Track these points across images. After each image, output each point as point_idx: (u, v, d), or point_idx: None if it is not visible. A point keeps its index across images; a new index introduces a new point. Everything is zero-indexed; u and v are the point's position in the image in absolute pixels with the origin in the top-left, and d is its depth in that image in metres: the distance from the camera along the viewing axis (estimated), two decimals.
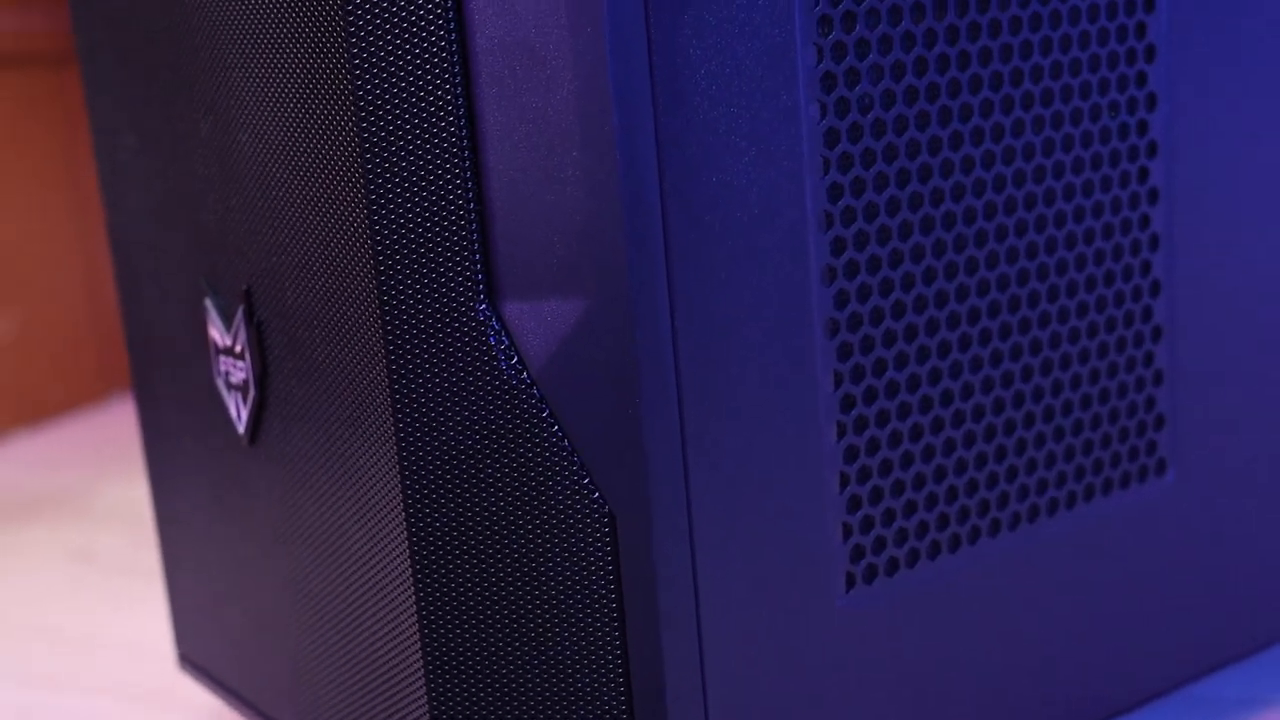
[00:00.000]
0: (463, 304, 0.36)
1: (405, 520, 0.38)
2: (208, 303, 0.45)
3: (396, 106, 0.36)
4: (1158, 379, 0.46)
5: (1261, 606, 0.50)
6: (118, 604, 0.69)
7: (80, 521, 0.82)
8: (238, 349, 0.44)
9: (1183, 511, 0.47)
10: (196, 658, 0.52)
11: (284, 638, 0.45)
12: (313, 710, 0.45)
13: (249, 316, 0.43)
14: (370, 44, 0.35)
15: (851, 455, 0.40)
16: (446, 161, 0.36)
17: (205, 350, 0.46)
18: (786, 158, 0.37)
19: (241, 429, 0.45)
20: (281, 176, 0.39)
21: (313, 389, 0.41)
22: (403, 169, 0.36)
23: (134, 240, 0.49)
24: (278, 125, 0.39)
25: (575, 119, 0.35)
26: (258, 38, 0.39)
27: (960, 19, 0.40)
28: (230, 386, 0.45)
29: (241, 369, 0.44)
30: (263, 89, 0.39)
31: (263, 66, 0.39)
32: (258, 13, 0.39)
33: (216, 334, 0.45)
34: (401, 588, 0.39)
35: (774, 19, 0.37)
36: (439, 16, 0.35)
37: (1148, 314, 0.45)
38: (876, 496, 0.41)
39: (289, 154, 0.39)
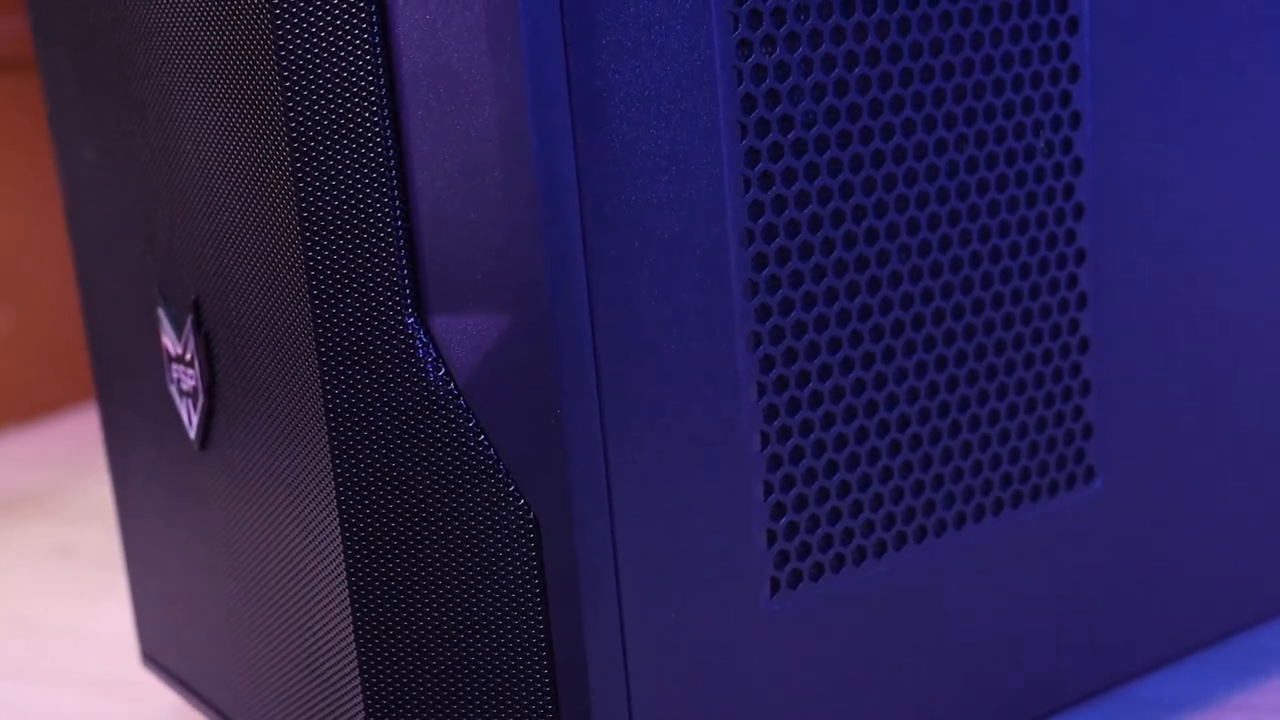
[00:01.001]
0: (392, 318, 0.38)
1: (340, 527, 0.39)
2: (160, 312, 0.46)
3: (327, 129, 0.37)
4: (1085, 389, 0.47)
5: (1193, 609, 0.51)
6: (95, 599, 0.70)
7: (65, 518, 0.84)
8: (188, 357, 0.45)
9: (1111, 518, 0.48)
10: (158, 656, 0.54)
11: (235, 640, 0.47)
12: (263, 713, 0.46)
13: (197, 327, 0.44)
14: (301, 69, 0.37)
15: (775, 463, 0.41)
16: (376, 182, 0.37)
17: (160, 358, 0.47)
18: (706, 177, 0.39)
19: (193, 434, 0.46)
20: (222, 194, 0.41)
21: (256, 398, 0.42)
22: (334, 189, 0.37)
23: (93, 250, 0.50)
24: (217, 146, 0.40)
25: (496, 142, 0.36)
26: (200, 63, 0.40)
27: (881, 41, 0.41)
28: (182, 393, 0.46)
29: (191, 377, 0.45)
30: (205, 111, 0.41)
31: (204, 90, 0.40)
32: (200, 39, 0.40)
33: (169, 342, 0.46)
34: (338, 594, 0.40)
35: (693, 44, 0.38)
36: (366, 43, 0.36)
37: (1074, 326, 0.47)
38: (801, 503, 0.42)
39: (228, 174, 0.40)
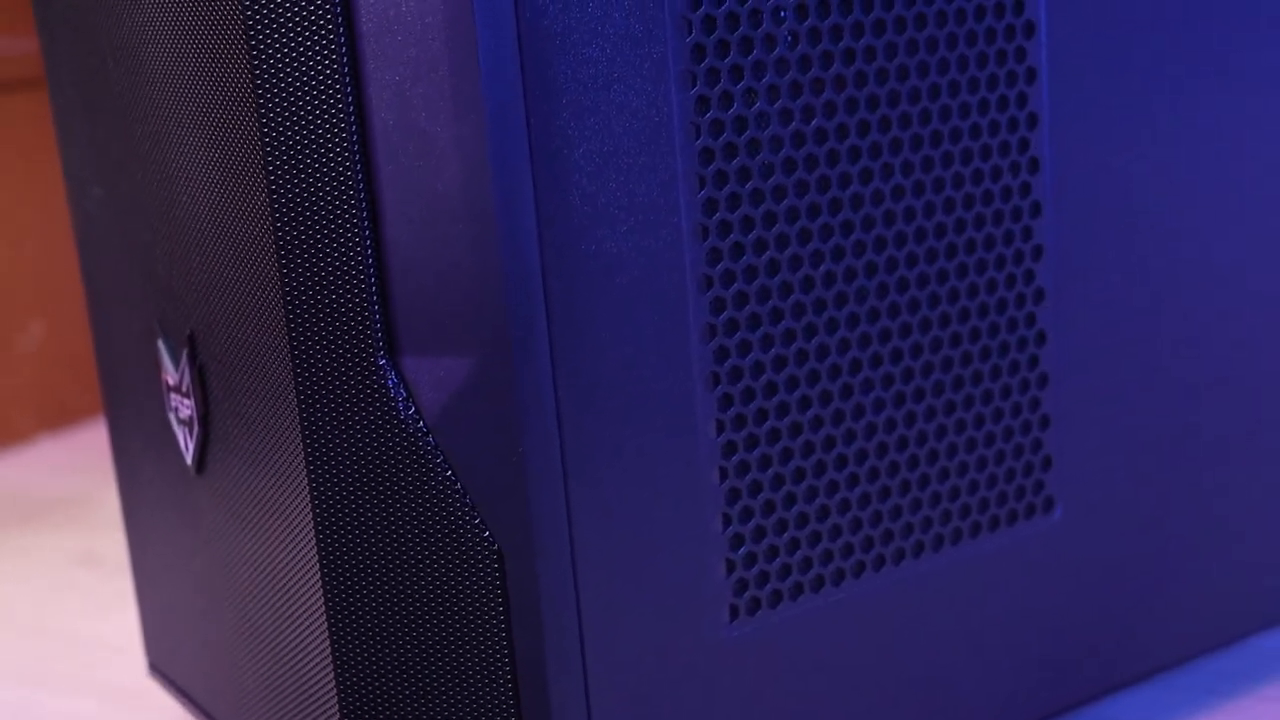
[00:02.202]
0: (365, 358, 0.40)
1: (318, 555, 0.42)
2: (160, 344, 0.49)
3: (304, 183, 0.39)
4: (1045, 423, 0.49)
5: (1152, 634, 0.53)
6: (113, 607, 0.73)
7: (90, 525, 0.87)
8: (184, 388, 0.48)
9: (1071, 546, 0.50)
10: (163, 667, 0.56)
11: (228, 653, 0.49)
12: None
13: (192, 359, 0.47)
14: (280, 128, 0.39)
15: (734, 496, 0.43)
16: (349, 232, 0.39)
17: (160, 387, 0.50)
18: (665, 226, 0.41)
19: (189, 460, 0.48)
20: (211, 239, 0.43)
21: (245, 428, 0.45)
22: (311, 238, 0.40)
23: (101, 282, 0.53)
24: (206, 195, 0.43)
25: (460, 195, 0.39)
26: (190, 117, 0.43)
27: (837, 94, 0.43)
28: (179, 421, 0.49)
29: (188, 406, 0.48)
30: (194, 161, 0.43)
31: (194, 141, 0.43)
32: (190, 95, 0.42)
33: (167, 373, 0.49)
34: (316, 615, 0.42)
35: (651, 101, 0.40)
36: (340, 103, 0.39)
37: (1034, 362, 0.48)
38: (759, 534, 0.44)
39: (216, 221, 0.43)
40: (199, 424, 0.47)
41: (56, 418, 1.06)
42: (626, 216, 0.40)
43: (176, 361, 0.48)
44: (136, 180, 0.48)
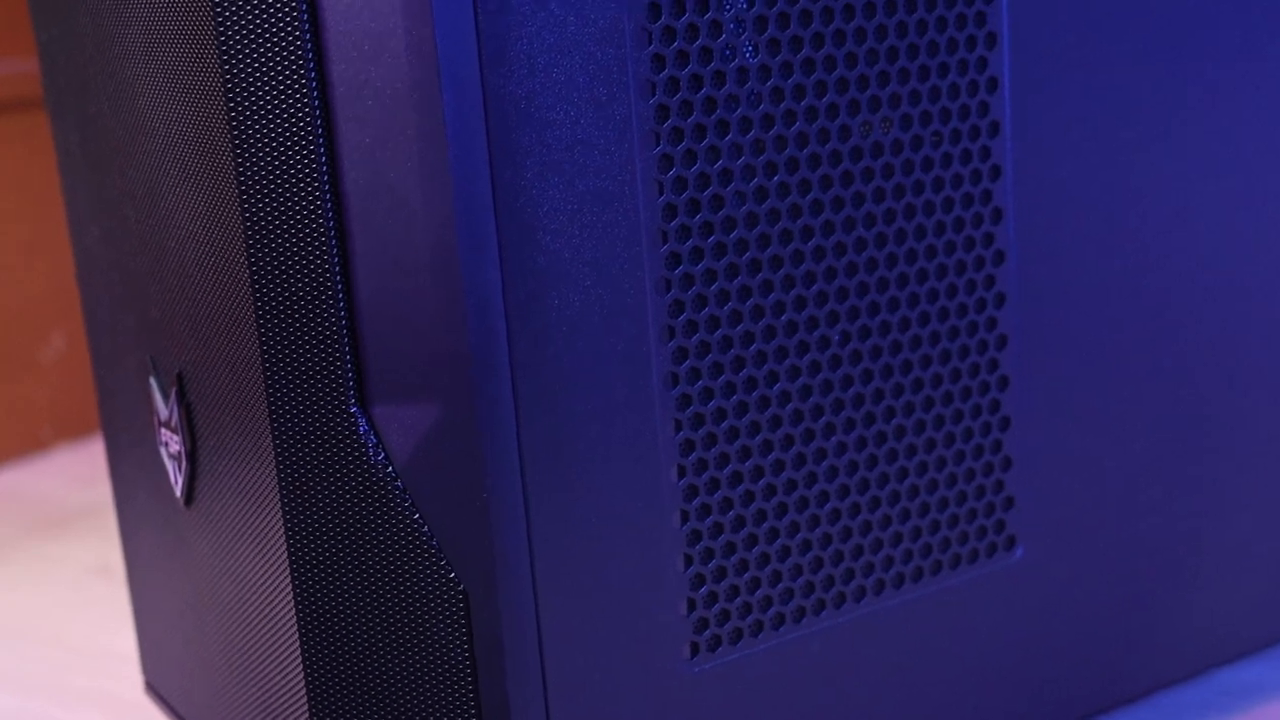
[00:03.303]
0: (337, 406, 0.42)
1: (293, 592, 0.43)
2: (151, 380, 0.51)
3: (281, 239, 0.41)
4: (1006, 465, 0.50)
5: (1114, 668, 0.54)
6: (127, 619, 0.75)
7: (106, 536, 0.89)
8: (173, 424, 0.49)
9: (1032, 584, 0.52)
10: (158, 686, 0.58)
11: (214, 676, 0.51)
12: None
13: (180, 398, 0.49)
14: (258, 185, 0.41)
15: (695, 538, 0.45)
16: (323, 285, 0.41)
17: (153, 419, 0.52)
18: (628, 280, 0.42)
19: (179, 493, 0.50)
20: (197, 287, 0.45)
21: (229, 465, 0.46)
22: (287, 292, 0.41)
23: (99, 315, 0.55)
24: (193, 243, 0.45)
25: (429, 253, 0.40)
26: (178, 171, 0.45)
27: (800, 150, 0.45)
28: (169, 455, 0.50)
29: (177, 441, 0.49)
30: (182, 213, 0.45)
31: (182, 192, 0.45)
32: (178, 151, 0.44)
33: (158, 408, 0.50)
34: (292, 648, 0.44)
35: (615, 161, 0.42)
36: (314, 162, 0.40)
37: (996, 406, 0.50)
38: (720, 574, 0.46)
39: (201, 269, 0.45)
40: (187, 459, 0.49)
41: (76, 428, 1.09)
42: (590, 271, 0.42)
43: (166, 398, 0.50)
44: (130, 223, 0.50)
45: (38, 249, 1.06)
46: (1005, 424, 0.50)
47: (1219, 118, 0.53)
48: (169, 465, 0.51)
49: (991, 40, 0.47)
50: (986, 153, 0.48)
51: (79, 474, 1.03)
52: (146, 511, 0.55)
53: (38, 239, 1.06)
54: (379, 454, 0.42)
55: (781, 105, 0.44)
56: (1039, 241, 0.49)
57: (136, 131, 0.47)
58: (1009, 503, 0.51)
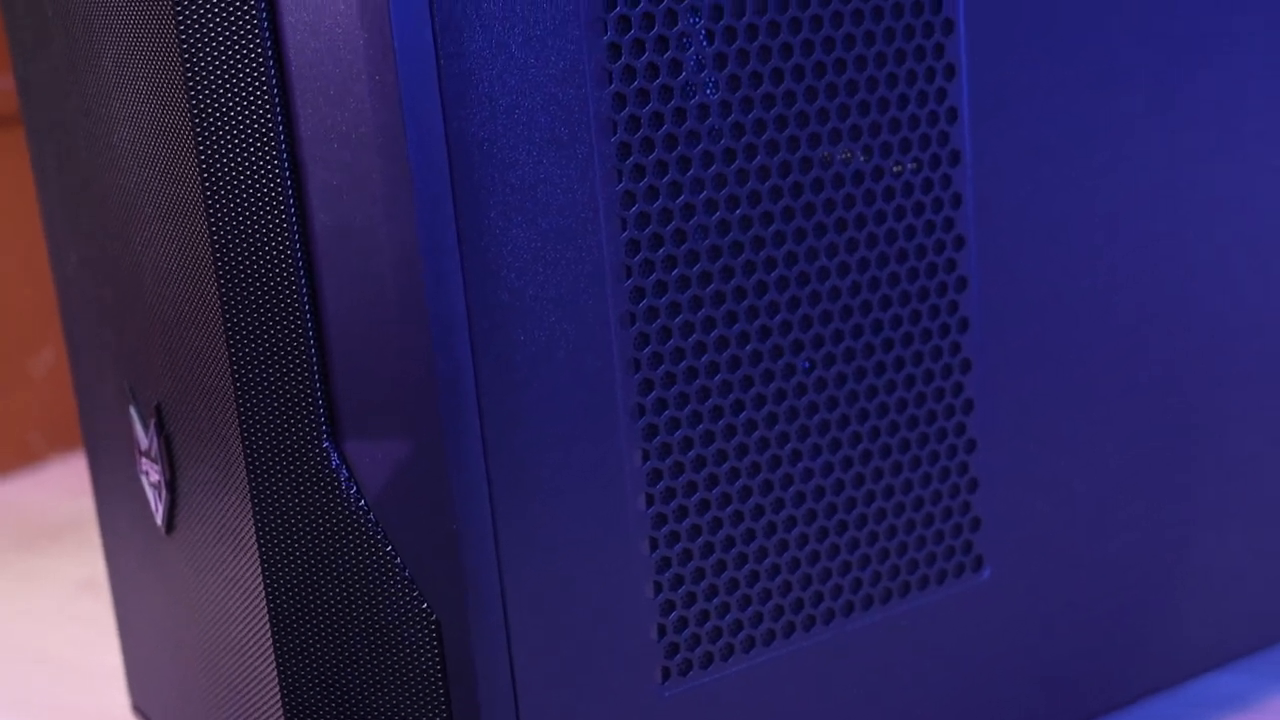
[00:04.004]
0: (309, 441, 0.43)
1: (270, 621, 0.44)
2: (131, 409, 0.51)
3: (251, 278, 0.42)
4: (973, 486, 0.51)
5: (1082, 686, 0.55)
6: (114, 635, 0.76)
7: (96, 550, 0.90)
8: (152, 453, 0.50)
9: (999, 604, 0.52)
10: (144, 707, 0.59)
11: (197, 699, 0.52)
12: None
13: (159, 429, 0.49)
14: (228, 223, 0.42)
15: (664, 565, 0.46)
16: (293, 326, 0.42)
17: (134, 447, 0.53)
18: (593, 314, 0.43)
19: (159, 521, 0.51)
20: (173, 323, 0.46)
21: (205, 497, 0.47)
22: (258, 331, 0.42)
23: (80, 341, 0.56)
24: (167, 280, 0.46)
25: (394, 292, 0.41)
26: (151, 208, 0.45)
27: (761, 184, 0.45)
28: (150, 484, 0.51)
29: (157, 471, 0.50)
30: (156, 249, 0.46)
31: (155, 231, 0.45)
32: (150, 188, 0.45)
33: (138, 437, 0.51)
34: (269, 676, 0.45)
35: (578, 199, 0.42)
36: (282, 203, 0.41)
37: (961, 429, 0.51)
38: (690, 600, 0.46)
39: (175, 305, 0.45)
40: (166, 489, 0.50)
41: (67, 440, 1.09)
42: (555, 307, 0.43)
43: (146, 428, 0.50)
44: (107, 255, 0.51)
45: (26, 262, 1.07)
46: (971, 446, 0.51)
47: (1182, 137, 0.53)
48: (150, 494, 0.52)
49: (950, 71, 0.48)
50: (947, 181, 0.49)
51: (70, 486, 1.03)
52: (129, 536, 0.56)
53: (26, 252, 1.07)
54: (351, 487, 0.43)
55: (742, 139, 0.45)
56: (1002, 267, 0.50)
57: (110, 166, 0.48)
58: (976, 524, 0.51)
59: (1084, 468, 0.53)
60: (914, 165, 0.48)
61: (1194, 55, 0.53)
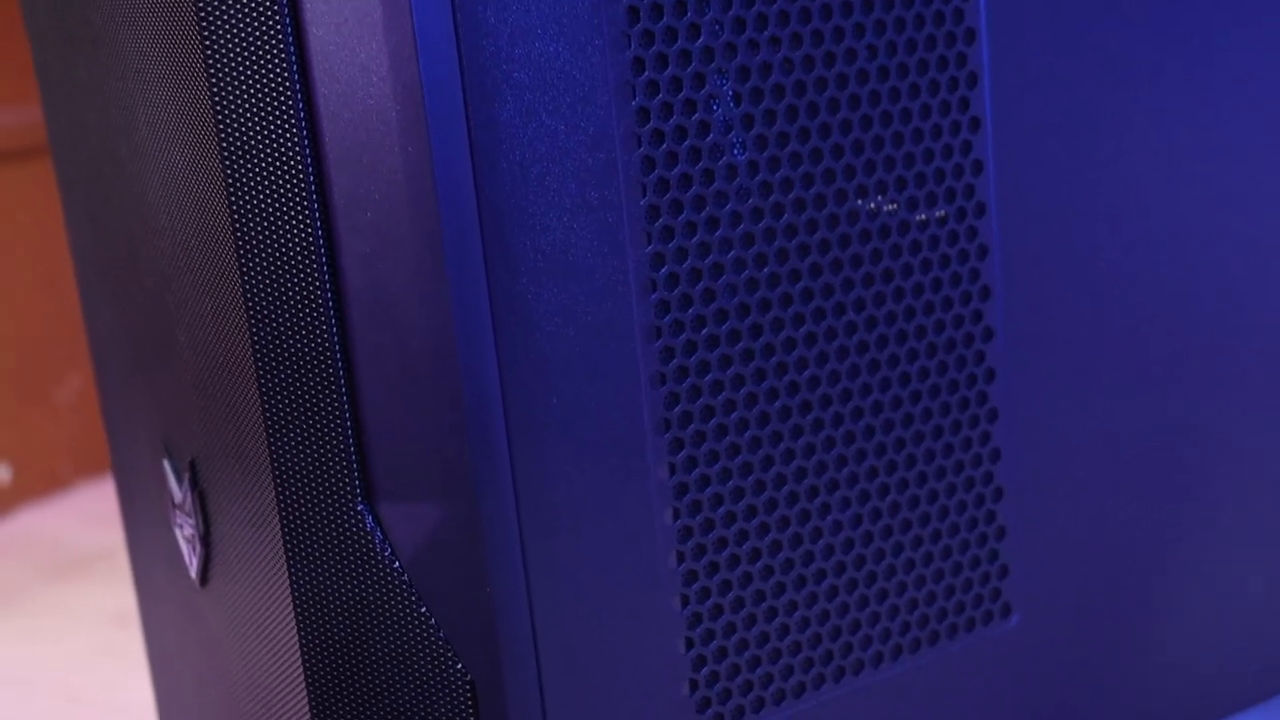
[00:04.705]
0: (344, 504, 0.43)
1: (305, 682, 0.45)
2: (165, 463, 0.52)
3: (287, 346, 0.42)
4: (1000, 534, 0.51)
5: None
6: (140, 669, 0.77)
7: (124, 580, 0.90)
8: (187, 507, 0.51)
9: (1027, 650, 0.53)
10: None
11: None
12: None
13: (194, 484, 0.50)
14: (263, 291, 0.42)
15: (696, 620, 0.46)
16: (329, 392, 0.42)
17: (168, 499, 0.53)
18: (623, 378, 0.44)
19: (193, 574, 0.52)
20: (208, 382, 0.46)
21: (239, 554, 0.48)
22: (294, 397, 0.43)
23: (114, 394, 0.56)
24: (204, 344, 0.46)
25: (429, 358, 0.41)
26: (188, 275, 0.46)
27: (789, 241, 0.46)
28: (184, 537, 0.52)
29: (190, 525, 0.51)
30: (191, 314, 0.46)
31: (191, 296, 0.46)
32: (188, 258, 0.46)
33: (172, 491, 0.52)
34: None
35: (608, 262, 0.43)
36: (316, 271, 0.42)
37: (989, 478, 0.51)
38: (721, 654, 0.47)
39: (211, 367, 0.46)
40: (200, 543, 0.50)
41: (96, 466, 1.10)
42: (586, 370, 0.43)
43: (180, 482, 0.51)
44: (141, 311, 0.51)
45: (53, 289, 1.08)
46: (999, 495, 0.51)
47: (1209, 186, 0.54)
48: (183, 545, 0.52)
49: (975, 124, 0.48)
50: (973, 233, 0.49)
51: (98, 513, 1.04)
52: (163, 587, 0.56)
53: (52, 279, 1.08)
54: (385, 549, 0.43)
55: (769, 199, 0.45)
56: (1028, 316, 0.50)
57: (144, 227, 0.48)
58: (1004, 571, 0.52)
59: (1112, 514, 0.54)
60: (940, 217, 0.48)
61: (1215, 71, 0.53)
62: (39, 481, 1.08)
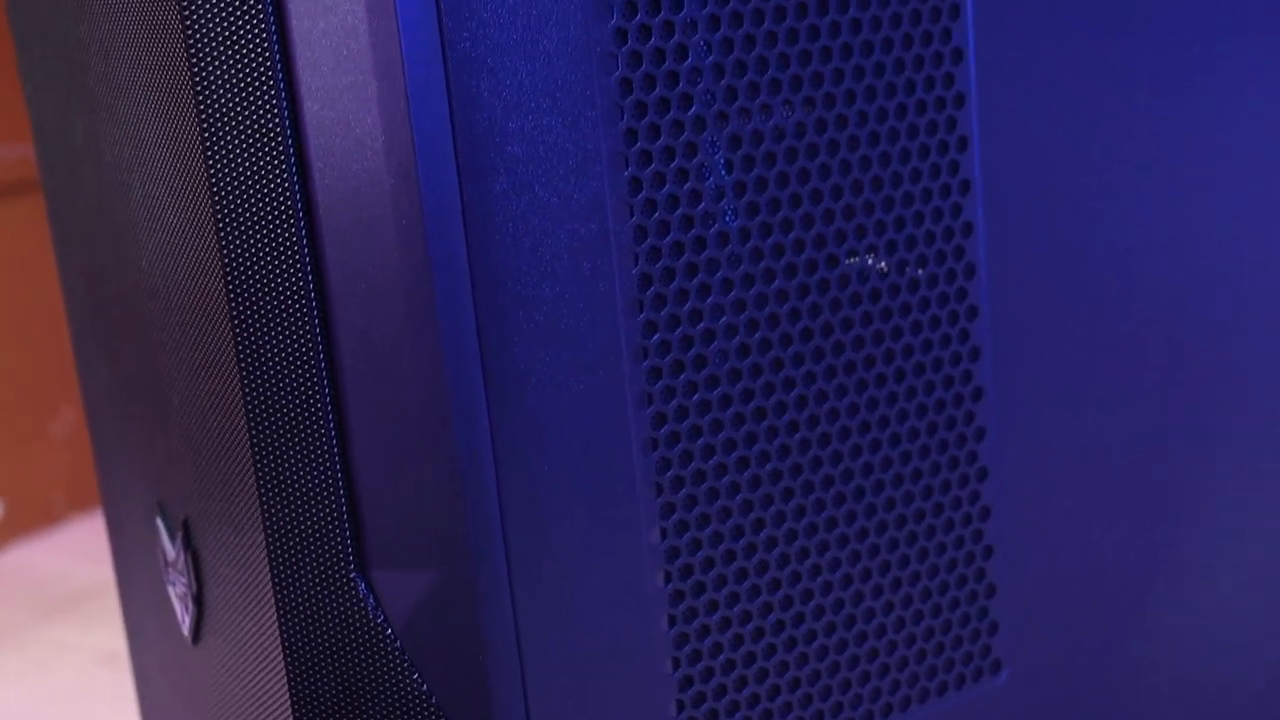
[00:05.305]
0: (337, 570, 0.43)
1: None
2: (159, 520, 0.52)
3: (280, 416, 0.43)
4: (990, 592, 0.52)
5: None
6: (128, 714, 0.77)
7: (115, 619, 0.90)
8: (179, 566, 0.51)
9: (1018, 705, 0.53)
10: None
11: None
12: None
13: (186, 544, 0.50)
14: (258, 360, 0.42)
15: (687, 683, 0.46)
16: (322, 459, 0.43)
17: (160, 556, 0.53)
18: (616, 442, 0.44)
19: (185, 632, 0.52)
20: (202, 449, 0.47)
21: (232, 617, 0.48)
22: (286, 465, 0.43)
23: (108, 449, 0.56)
24: (197, 411, 0.46)
25: (423, 429, 0.42)
26: (182, 337, 0.46)
27: (780, 306, 0.46)
28: (176, 595, 0.52)
29: (183, 584, 0.51)
30: (185, 378, 0.46)
31: (182, 357, 0.46)
32: (179, 317, 0.46)
33: (165, 549, 0.52)
34: None
35: (600, 329, 0.43)
36: (313, 344, 0.42)
37: (979, 536, 0.51)
38: (712, 717, 0.47)
39: (202, 434, 0.46)
40: (193, 602, 0.51)
41: (89, 500, 1.10)
42: (578, 438, 0.43)
43: (173, 540, 0.51)
44: (136, 370, 0.51)
45: (47, 322, 1.08)
46: (989, 552, 0.51)
47: (1207, 246, 0.54)
48: (176, 603, 0.52)
49: (965, 187, 0.49)
50: (963, 294, 0.49)
51: (90, 549, 1.04)
52: (156, 638, 0.56)
53: (46, 313, 1.08)
54: (378, 615, 0.43)
55: (761, 264, 0.45)
56: (1018, 377, 0.51)
57: (140, 290, 0.49)
58: (994, 628, 0.52)
59: (1103, 568, 0.54)
60: (930, 279, 0.48)
61: (1207, 99, 0.54)
62: (32, 516, 1.08)
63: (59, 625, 0.91)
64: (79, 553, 1.04)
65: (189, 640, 0.52)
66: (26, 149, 1.05)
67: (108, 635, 0.88)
